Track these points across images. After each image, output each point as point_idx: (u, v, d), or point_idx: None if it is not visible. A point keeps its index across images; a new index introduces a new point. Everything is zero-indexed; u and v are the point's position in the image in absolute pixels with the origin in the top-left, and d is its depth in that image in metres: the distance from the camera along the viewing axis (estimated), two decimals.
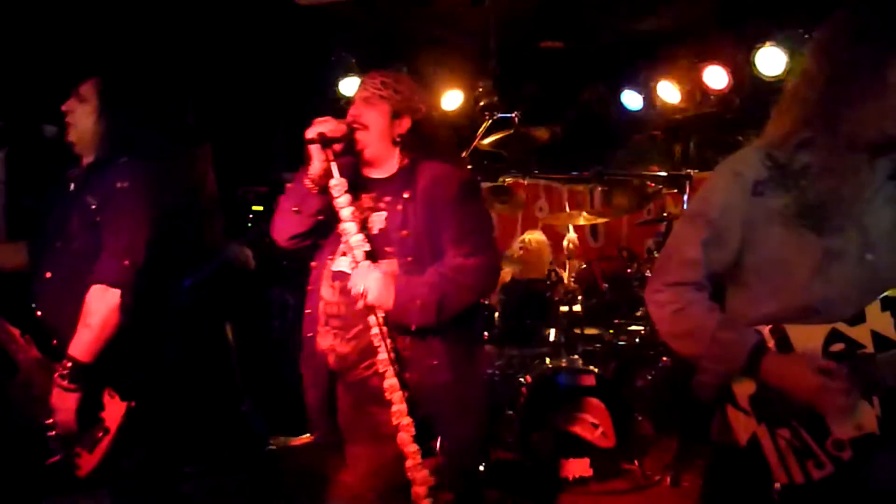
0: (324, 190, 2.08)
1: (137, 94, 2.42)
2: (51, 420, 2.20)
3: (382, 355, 2.02)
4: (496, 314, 4.02)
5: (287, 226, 2.16)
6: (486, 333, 4.00)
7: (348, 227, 2.05)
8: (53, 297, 2.28)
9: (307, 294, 2.21)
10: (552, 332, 4.04)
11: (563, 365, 3.76)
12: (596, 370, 3.70)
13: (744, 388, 1.68)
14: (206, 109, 4.54)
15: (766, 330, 1.67)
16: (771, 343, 1.66)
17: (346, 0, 4.48)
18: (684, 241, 1.78)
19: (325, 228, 2.16)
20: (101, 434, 2.20)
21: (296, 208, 2.11)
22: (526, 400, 3.66)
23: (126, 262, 2.20)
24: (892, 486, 1.59)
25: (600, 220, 4.66)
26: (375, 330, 2.03)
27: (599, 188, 4.45)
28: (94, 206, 2.25)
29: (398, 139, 2.17)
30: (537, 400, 3.63)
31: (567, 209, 4.57)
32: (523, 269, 4.33)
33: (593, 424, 3.61)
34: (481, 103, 4.85)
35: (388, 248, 2.09)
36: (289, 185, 2.14)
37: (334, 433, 2.22)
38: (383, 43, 5.07)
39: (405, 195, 2.11)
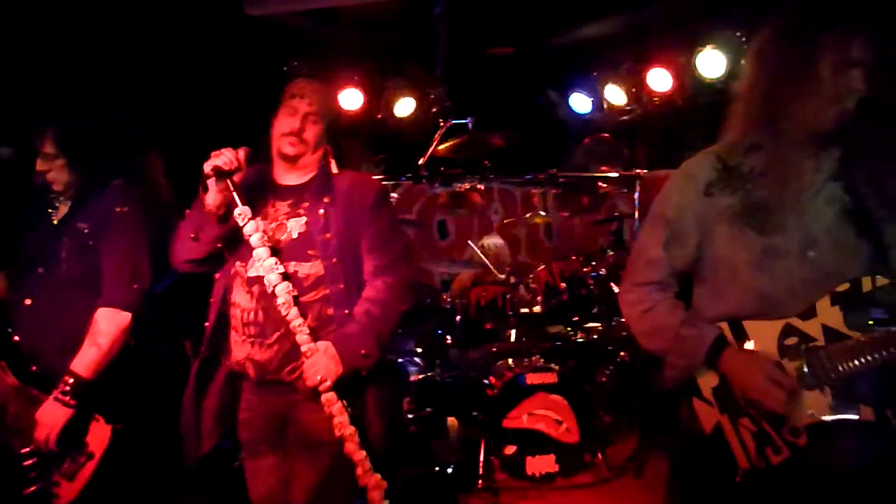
0: (223, 218, 2.10)
1: (94, 124, 2.41)
2: (27, 448, 2.17)
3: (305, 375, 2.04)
4: (458, 318, 4.08)
5: (184, 251, 2.16)
6: (448, 338, 4.07)
7: (260, 252, 2.07)
8: (35, 323, 2.27)
9: (210, 307, 2.20)
10: (513, 332, 4.13)
11: (526, 364, 3.84)
12: (557, 368, 3.80)
13: (708, 381, 1.79)
14: (155, 122, 4.48)
15: (725, 326, 1.78)
16: (730, 337, 1.77)
17: (294, 11, 4.49)
18: (647, 242, 1.90)
19: (223, 250, 2.17)
20: (83, 460, 2.19)
21: (193, 235, 2.11)
22: (490, 401, 3.74)
23: (135, 286, 2.27)
24: (845, 469, 1.69)
25: (555, 222, 4.78)
26: (305, 344, 2.04)
27: (553, 190, 4.56)
28: (87, 231, 2.26)
29: (324, 151, 2.24)
30: (502, 400, 3.71)
31: (521, 212, 4.67)
32: (483, 273, 4.41)
33: (557, 421, 3.70)
34: (434, 110, 4.92)
35: (310, 252, 2.12)
36: (188, 212, 2.16)
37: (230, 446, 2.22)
38: (334, 52, 5.08)
39: (325, 200, 2.16)
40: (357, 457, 2.03)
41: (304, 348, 2.03)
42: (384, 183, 2.43)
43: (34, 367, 2.26)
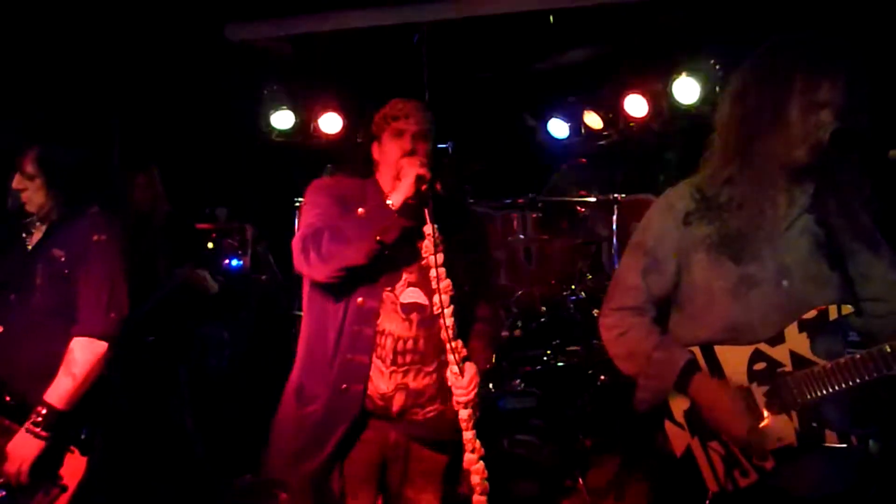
0: (406, 218, 2.03)
1: (78, 151, 2.41)
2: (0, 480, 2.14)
3: (461, 392, 2.05)
4: None
5: (355, 255, 2.01)
6: None
7: (441, 271, 2.04)
8: (7, 351, 2.24)
9: (346, 335, 2.08)
10: (494, 356, 4.13)
11: (506, 389, 3.84)
12: (538, 392, 3.80)
13: (679, 404, 1.82)
14: (135, 144, 4.49)
15: (697, 350, 1.81)
16: (701, 362, 1.80)
17: (276, 37, 4.54)
18: (626, 269, 1.94)
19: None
20: (56, 492, 2.15)
21: (380, 237, 2.00)
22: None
23: (112, 315, 2.24)
24: (811, 493, 1.73)
25: (534, 245, 4.80)
26: (456, 364, 2.04)
27: (533, 214, 4.59)
28: (63, 258, 2.24)
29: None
30: (483, 425, 3.69)
31: (501, 235, 4.70)
32: None
33: (537, 445, 3.70)
34: None
35: (450, 279, 2.08)
36: (362, 212, 2.05)
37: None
38: (315, 77, 5.13)
39: (454, 230, 2.13)
40: (475, 476, 2.07)
41: (455, 368, 2.03)
42: None
43: (7, 398, 2.22)
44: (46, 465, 2.16)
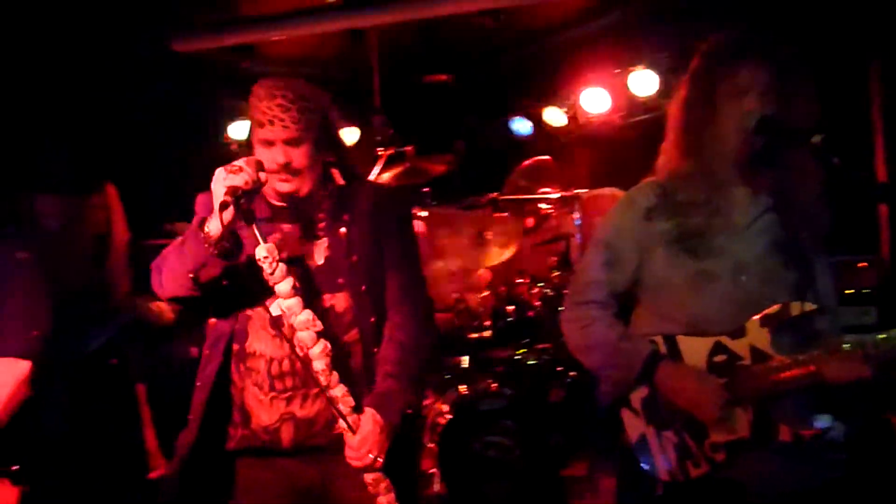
0: (228, 253, 1.68)
1: (12, 165, 2.34)
2: None
3: (351, 455, 1.71)
4: None
5: (178, 287, 1.75)
6: None
7: (291, 304, 1.69)
8: None
9: (205, 359, 1.83)
10: (464, 359, 4.10)
11: (478, 390, 3.82)
12: (509, 392, 3.79)
13: (638, 392, 1.83)
14: (88, 160, 4.38)
15: (659, 339, 1.83)
16: (663, 351, 1.82)
17: (225, 47, 4.48)
18: (588, 264, 1.97)
19: (227, 276, 1.75)
20: None
21: (192, 274, 1.70)
22: (444, 429, 3.70)
23: (34, 333, 2.17)
24: (762, 487, 1.74)
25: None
26: (347, 417, 1.69)
27: (496, 213, 4.57)
28: None
29: (326, 165, 1.90)
30: (456, 428, 3.67)
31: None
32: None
33: (509, 447, 3.68)
34: (378, 138, 4.92)
35: (340, 280, 1.82)
36: (181, 241, 1.74)
37: None
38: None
39: (345, 217, 1.85)
40: None
41: (343, 423, 1.69)
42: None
43: None
44: None
